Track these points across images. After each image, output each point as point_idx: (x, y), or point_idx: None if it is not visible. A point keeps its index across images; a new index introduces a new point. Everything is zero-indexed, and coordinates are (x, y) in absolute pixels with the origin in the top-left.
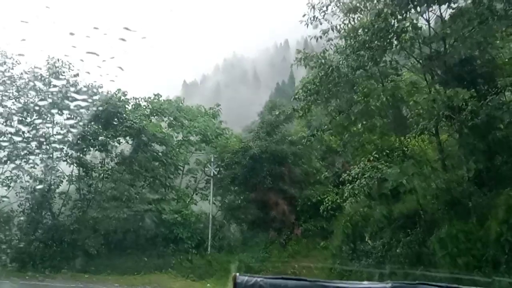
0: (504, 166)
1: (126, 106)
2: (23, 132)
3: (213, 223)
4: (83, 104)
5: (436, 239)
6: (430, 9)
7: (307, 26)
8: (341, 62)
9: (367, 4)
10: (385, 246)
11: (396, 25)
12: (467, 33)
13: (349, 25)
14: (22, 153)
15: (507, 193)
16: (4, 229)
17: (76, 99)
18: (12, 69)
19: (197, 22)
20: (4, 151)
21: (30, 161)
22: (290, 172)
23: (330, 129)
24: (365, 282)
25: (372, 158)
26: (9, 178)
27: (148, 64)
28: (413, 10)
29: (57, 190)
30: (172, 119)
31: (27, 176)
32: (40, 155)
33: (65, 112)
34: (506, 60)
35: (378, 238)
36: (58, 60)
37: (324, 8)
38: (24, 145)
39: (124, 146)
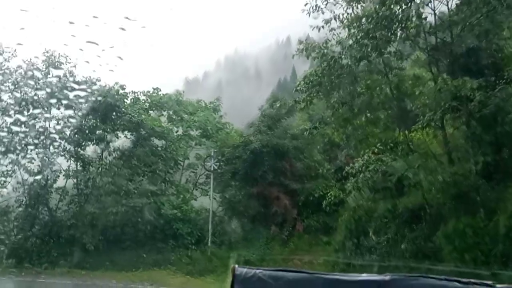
0: None
1: (125, 100)
2: (20, 126)
3: (214, 219)
4: (81, 97)
5: (443, 234)
6: None
7: (309, 15)
8: (343, 53)
9: None
10: (389, 241)
11: (400, 14)
12: (475, 21)
13: (352, 14)
14: (19, 148)
15: None
16: (0, 225)
17: (73, 92)
18: (9, 61)
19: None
20: (0, 146)
21: (28, 155)
22: (291, 167)
23: (332, 122)
24: (364, 275)
25: (376, 150)
26: (5, 172)
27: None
28: None
29: (54, 185)
30: (171, 113)
31: (23, 170)
32: (37, 149)
33: (62, 105)
34: None
35: (382, 233)
36: (55, 52)
37: None
38: (20, 139)
39: (122, 140)
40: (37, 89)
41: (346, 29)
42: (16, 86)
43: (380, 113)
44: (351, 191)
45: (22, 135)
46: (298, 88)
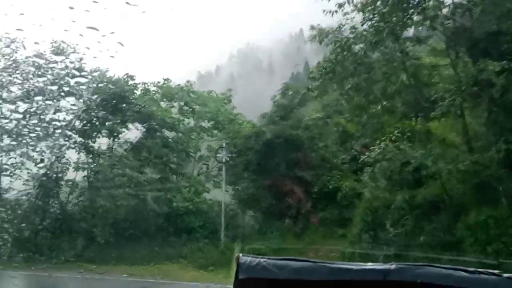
0: None
1: (135, 91)
2: (30, 118)
3: (226, 212)
4: (90, 88)
5: (464, 225)
6: None
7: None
8: (358, 38)
9: None
10: (407, 234)
11: None
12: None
13: None
14: (29, 140)
15: None
16: (10, 219)
17: (82, 83)
18: (16, 52)
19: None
20: (9, 138)
21: (37, 148)
22: (305, 158)
23: (347, 111)
24: (369, 264)
25: (394, 137)
26: (14, 165)
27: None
28: None
29: (64, 178)
30: (182, 104)
31: (32, 163)
32: (47, 142)
33: (71, 97)
34: None
35: (400, 225)
36: (63, 42)
37: None
38: (30, 131)
39: (133, 132)
40: (45, 80)
41: (361, 13)
42: (25, 77)
43: (396, 102)
44: (367, 182)
45: (31, 127)
46: (311, 76)
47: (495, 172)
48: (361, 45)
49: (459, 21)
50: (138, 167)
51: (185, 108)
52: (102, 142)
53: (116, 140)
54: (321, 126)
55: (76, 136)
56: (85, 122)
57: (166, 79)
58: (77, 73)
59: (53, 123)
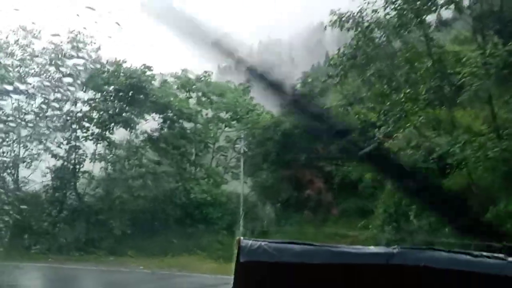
0: None
1: (152, 82)
2: (47, 109)
3: (245, 203)
4: (106, 79)
5: (492, 216)
6: None
7: None
8: (380, 22)
9: None
10: (432, 225)
11: None
12: None
13: None
14: (47, 132)
15: None
16: (28, 211)
17: (99, 74)
18: (33, 44)
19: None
20: (26, 130)
21: (55, 140)
22: (325, 148)
23: (368, 99)
24: (371, 247)
25: (418, 124)
26: (31, 157)
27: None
28: None
29: (81, 169)
30: (200, 95)
31: (50, 155)
32: (64, 133)
33: (88, 88)
34: None
35: (425, 217)
36: (80, 33)
37: None
38: (48, 123)
39: (150, 123)
40: (62, 71)
41: None
42: (41, 68)
43: (420, 89)
44: None
45: (49, 119)
46: (332, 62)
47: None
48: (384, 30)
49: (487, 2)
50: (156, 158)
51: (203, 98)
52: (119, 133)
53: (133, 131)
54: (342, 115)
55: (94, 127)
56: (102, 113)
57: (184, 70)
58: (94, 64)
59: (70, 114)
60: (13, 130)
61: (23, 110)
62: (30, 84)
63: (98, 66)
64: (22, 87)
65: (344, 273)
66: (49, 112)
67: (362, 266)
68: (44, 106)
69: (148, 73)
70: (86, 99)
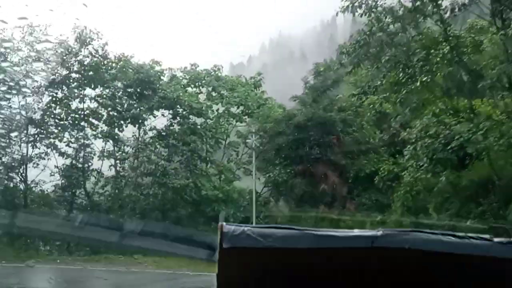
0: None
1: (162, 77)
2: (55, 108)
3: (258, 200)
4: (114, 75)
5: None
6: None
7: None
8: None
9: None
10: (452, 218)
11: None
12: None
13: None
14: (55, 130)
15: None
16: (36, 211)
17: (106, 70)
18: (40, 40)
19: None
20: (34, 128)
21: (64, 139)
22: (339, 141)
23: (383, 87)
24: (355, 230)
25: (438, 110)
26: (38, 156)
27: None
28: None
29: (90, 168)
30: (210, 89)
31: (57, 154)
32: (73, 131)
33: (96, 84)
34: None
35: (444, 209)
36: (86, 28)
37: None
38: (57, 121)
39: (160, 119)
40: (69, 68)
41: None
42: (48, 65)
43: (437, 77)
44: (408, 163)
45: (56, 116)
46: (344, 50)
47: None
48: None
49: None
50: (165, 154)
51: (213, 93)
52: (127, 130)
53: (142, 127)
54: (355, 107)
55: (102, 124)
56: (109, 109)
57: (194, 64)
58: (101, 60)
59: (79, 112)
60: (21, 128)
61: (31, 108)
62: (37, 81)
63: (106, 61)
64: (29, 84)
65: (329, 257)
66: (57, 110)
67: (347, 249)
68: (51, 104)
69: (157, 68)
70: (93, 95)
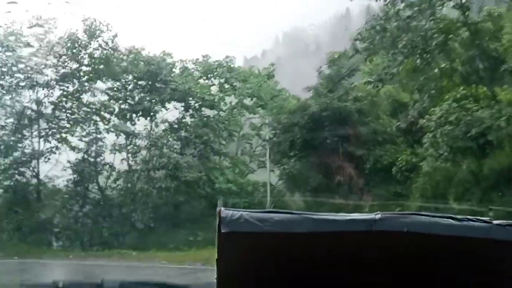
0: None
1: (173, 69)
2: (66, 102)
3: (273, 192)
4: (125, 67)
5: None
6: None
7: None
8: None
9: None
10: (474, 208)
11: None
12: None
13: None
14: (67, 125)
15: None
16: (49, 206)
17: (117, 63)
18: (50, 33)
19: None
20: (45, 123)
21: (76, 133)
22: (355, 131)
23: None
24: (353, 214)
25: (459, 96)
26: (50, 150)
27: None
28: None
29: (102, 162)
30: (222, 81)
31: (69, 148)
32: (84, 125)
33: (107, 77)
34: None
35: (465, 200)
36: (95, 20)
37: None
38: (68, 116)
39: (171, 112)
40: (79, 61)
41: None
42: (58, 59)
43: (457, 63)
44: (427, 149)
45: (68, 111)
46: (359, 36)
47: None
48: None
49: None
50: (178, 147)
51: (226, 85)
52: (139, 123)
53: (154, 120)
54: (371, 96)
55: (114, 117)
56: (121, 102)
57: (205, 56)
58: (111, 52)
59: (90, 106)
60: (32, 123)
61: (42, 102)
62: (48, 75)
63: (116, 54)
64: (39, 78)
65: (328, 241)
66: (68, 104)
67: (345, 233)
68: (62, 98)
69: (168, 60)
70: (104, 88)
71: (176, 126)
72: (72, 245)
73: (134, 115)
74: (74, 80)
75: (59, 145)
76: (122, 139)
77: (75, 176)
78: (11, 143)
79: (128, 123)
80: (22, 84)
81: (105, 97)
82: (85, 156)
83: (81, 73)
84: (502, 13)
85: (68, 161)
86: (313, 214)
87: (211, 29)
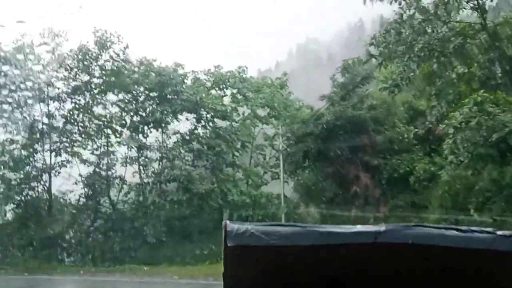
0: None
1: (185, 80)
2: (78, 115)
3: (287, 204)
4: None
5: None
6: None
7: None
8: None
9: None
10: (496, 219)
11: None
12: None
13: None
14: (79, 138)
15: None
16: (60, 221)
17: (128, 75)
18: (61, 46)
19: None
20: (57, 136)
21: (88, 146)
22: (371, 140)
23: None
24: (358, 226)
25: (480, 99)
26: (60, 164)
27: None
28: None
29: (113, 175)
30: (235, 92)
31: (80, 161)
32: (96, 138)
33: (118, 89)
34: None
35: (486, 210)
36: (106, 32)
37: None
38: (80, 129)
39: (183, 123)
40: (90, 73)
41: None
42: (70, 72)
43: (475, 68)
44: (447, 156)
45: (80, 124)
46: (373, 41)
47: None
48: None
49: None
50: (190, 159)
51: (238, 95)
52: (151, 135)
53: (165, 131)
54: (387, 104)
55: (125, 130)
56: (132, 114)
57: (217, 66)
58: (123, 64)
59: (102, 119)
60: (43, 137)
61: (53, 116)
62: (59, 88)
63: (127, 65)
64: (51, 91)
65: (333, 254)
66: (80, 117)
67: (350, 245)
68: (74, 111)
69: (180, 71)
70: (115, 100)
71: (188, 137)
72: (83, 260)
73: (145, 127)
74: (86, 92)
75: (70, 158)
76: (133, 152)
77: (86, 190)
78: (22, 157)
79: (141, 136)
80: (33, 97)
81: (116, 109)
82: (97, 169)
83: (92, 85)
84: None
85: (80, 175)
86: (318, 226)
87: (224, 40)
